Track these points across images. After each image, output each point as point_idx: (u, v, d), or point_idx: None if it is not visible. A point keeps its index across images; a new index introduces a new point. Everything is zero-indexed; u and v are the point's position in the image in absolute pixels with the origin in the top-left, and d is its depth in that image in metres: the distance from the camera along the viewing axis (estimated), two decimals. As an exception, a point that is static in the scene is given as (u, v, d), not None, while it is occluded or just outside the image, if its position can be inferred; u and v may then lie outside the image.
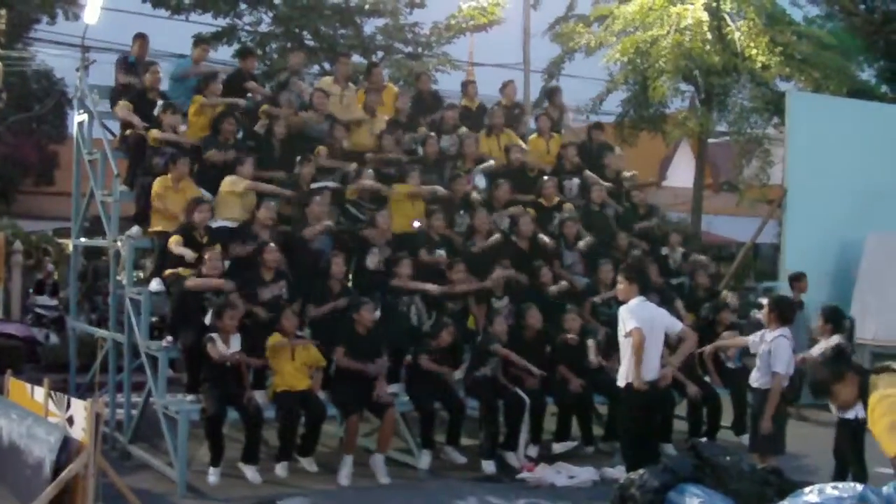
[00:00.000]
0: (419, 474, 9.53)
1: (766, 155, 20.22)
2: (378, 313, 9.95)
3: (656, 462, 7.64)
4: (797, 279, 12.94)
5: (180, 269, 9.50)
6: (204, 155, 10.61)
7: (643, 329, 8.02)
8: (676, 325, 8.48)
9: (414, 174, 11.22)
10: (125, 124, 11.07)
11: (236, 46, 20.30)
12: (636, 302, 8.26)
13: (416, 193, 11.24)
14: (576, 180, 12.69)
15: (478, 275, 10.81)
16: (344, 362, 9.42)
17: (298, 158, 10.75)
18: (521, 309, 10.53)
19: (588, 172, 12.78)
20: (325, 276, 9.89)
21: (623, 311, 8.25)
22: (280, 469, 9.09)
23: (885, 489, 6.50)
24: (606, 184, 12.64)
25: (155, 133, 10.56)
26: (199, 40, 12.49)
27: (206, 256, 9.27)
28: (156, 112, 10.84)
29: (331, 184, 10.92)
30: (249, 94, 11.78)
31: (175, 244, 9.60)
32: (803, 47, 19.35)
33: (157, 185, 10.10)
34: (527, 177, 12.55)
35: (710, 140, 22.93)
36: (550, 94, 14.58)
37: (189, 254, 9.48)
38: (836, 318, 8.34)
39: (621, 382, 8.25)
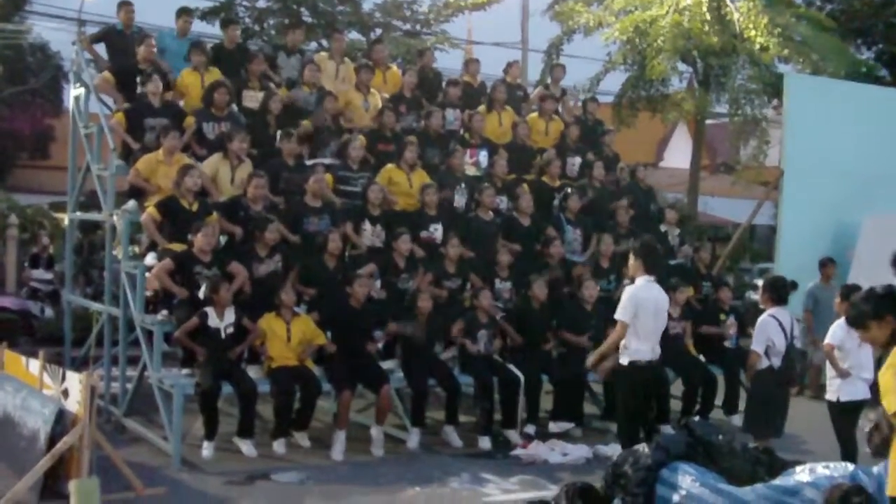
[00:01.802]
0: (412, 450, 9.58)
1: (764, 135, 20.21)
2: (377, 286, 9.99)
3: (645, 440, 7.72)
4: (823, 265, 13.14)
5: (173, 244, 9.49)
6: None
7: (636, 314, 7.98)
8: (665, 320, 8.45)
9: (412, 147, 11.19)
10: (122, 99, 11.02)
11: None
12: (641, 283, 8.17)
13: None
14: (578, 159, 12.73)
15: (478, 250, 10.83)
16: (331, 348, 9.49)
17: (279, 133, 10.70)
18: (527, 281, 10.53)
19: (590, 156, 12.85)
20: (320, 253, 9.88)
21: (624, 295, 8.21)
22: (278, 446, 9.12)
23: (875, 469, 6.56)
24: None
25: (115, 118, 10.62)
26: (182, 10, 12.05)
27: (201, 233, 9.22)
28: (139, 88, 10.75)
29: (326, 160, 10.89)
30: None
31: (149, 220, 9.60)
32: (802, 29, 19.33)
33: (144, 163, 10.03)
34: (530, 155, 12.57)
35: (708, 121, 22.92)
36: (552, 70, 14.56)
37: (159, 238, 9.52)
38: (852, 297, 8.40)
39: (623, 361, 8.23)
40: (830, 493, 6.05)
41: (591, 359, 8.57)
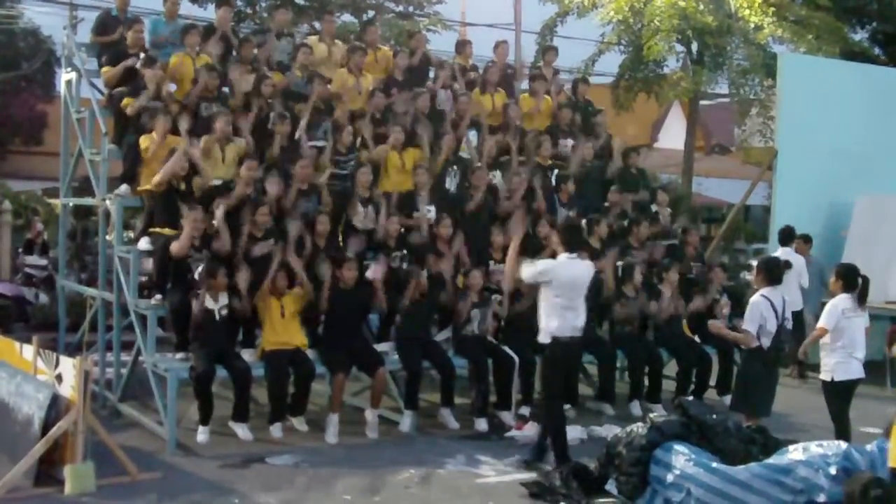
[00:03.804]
0: (407, 432, 9.59)
1: (767, 111, 20.13)
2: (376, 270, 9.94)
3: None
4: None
5: (165, 230, 9.47)
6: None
7: (557, 283, 8.04)
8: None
9: (397, 129, 11.15)
10: (110, 85, 10.97)
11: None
12: (561, 259, 8.22)
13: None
14: (570, 140, 12.69)
15: (471, 232, 10.80)
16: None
17: (272, 116, 10.67)
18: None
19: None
20: (311, 236, 9.85)
21: (541, 264, 8.26)
22: (274, 430, 9.14)
23: (868, 447, 6.60)
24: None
25: (127, 102, 10.45)
26: None
27: (191, 217, 9.17)
28: (137, 65, 10.71)
29: (319, 143, 10.85)
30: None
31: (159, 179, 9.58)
32: (797, 8, 19.28)
33: (144, 142, 9.99)
34: (522, 136, 12.53)
35: (702, 102, 22.87)
36: (545, 52, 14.52)
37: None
38: (848, 276, 8.43)
39: (545, 339, 8.21)
40: (850, 485, 6.08)
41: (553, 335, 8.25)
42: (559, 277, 8.07)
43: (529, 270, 8.20)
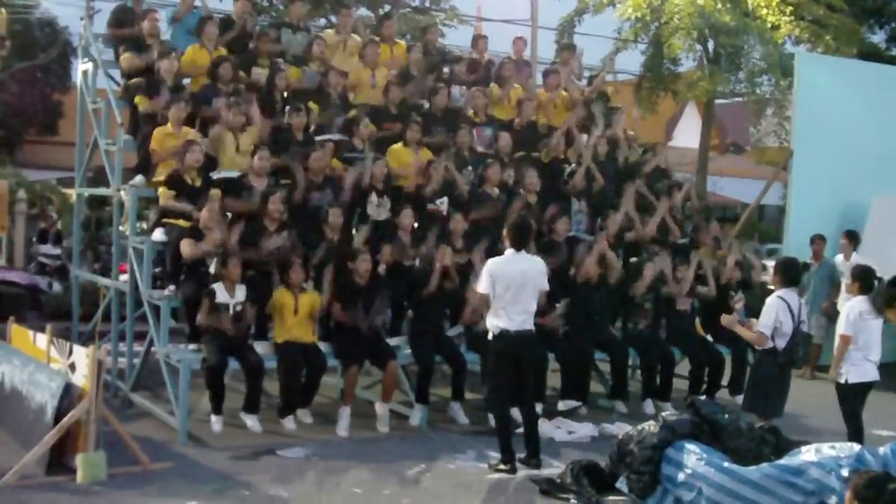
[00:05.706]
0: (418, 427, 9.59)
1: (782, 111, 20.05)
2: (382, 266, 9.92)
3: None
4: (813, 242, 13.29)
5: (180, 221, 9.49)
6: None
7: (493, 285, 8.06)
8: (544, 285, 8.44)
9: (414, 126, 11.13)
10: (129, 73, 10.99)
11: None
12: (507, 256, 8.26)
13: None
14: (584, 136, 12.65)
15: (483, 228, 10.78)
16: (339, 315, 9.45)
17: (287, 108, 10.67)
18: None
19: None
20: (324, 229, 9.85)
21: (485, 266, 8.28)
22: (286, 422, 9.15)
23: (881, 450, 6.56)
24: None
25: (140, 100, 10.48)
26: None
27: (206, 209, 9.17)
28: (154, 57, 10.74)
29: (335, 136, 10.85)
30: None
31: (166, 199, 9.59)
32: (814, 8, 19.21)
33: (157, 133, 10.01)
34: (536, 132, 12.50)
35: (718, 101, 22.80)
36: (562, 50, 14.48)
37: (185, 206, 9.45)
38: (864, 278, 8.38)
39: (490, 332, 8.25)
40: (857, 479, 6.01)
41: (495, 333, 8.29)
42: (503, 275, 8.08)
43: (483, 283, 8.20)
